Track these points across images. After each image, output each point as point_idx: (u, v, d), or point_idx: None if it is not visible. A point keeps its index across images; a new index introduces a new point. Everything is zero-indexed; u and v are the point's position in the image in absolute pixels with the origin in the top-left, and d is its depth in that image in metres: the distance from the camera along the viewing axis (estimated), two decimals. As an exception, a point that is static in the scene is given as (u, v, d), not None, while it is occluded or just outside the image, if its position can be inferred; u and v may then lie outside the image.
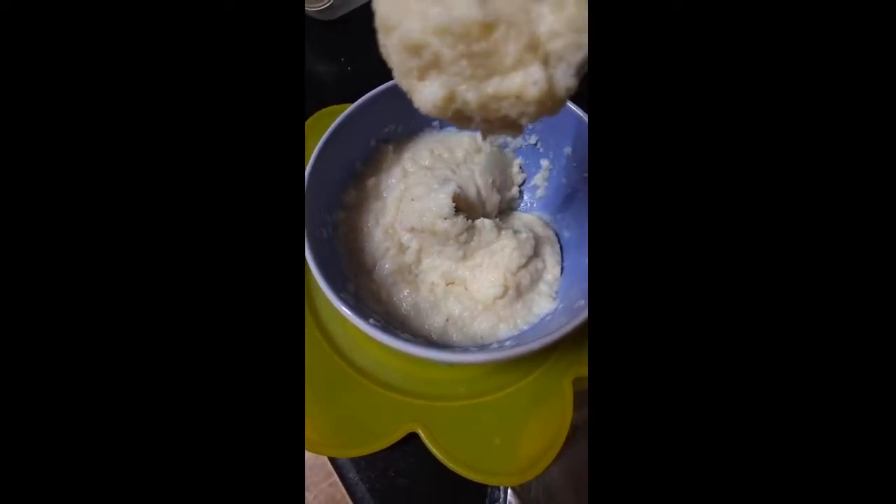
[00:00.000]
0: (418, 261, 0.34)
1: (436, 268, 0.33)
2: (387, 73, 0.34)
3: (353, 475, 0.31)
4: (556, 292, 0.33)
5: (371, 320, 0.26)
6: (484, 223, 0.32)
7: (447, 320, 0.32)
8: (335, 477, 0.31)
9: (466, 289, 0.33)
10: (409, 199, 0.33)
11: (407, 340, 0.26)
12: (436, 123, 0.38)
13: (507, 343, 0.30)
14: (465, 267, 0.33)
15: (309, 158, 0.31)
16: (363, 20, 0.50)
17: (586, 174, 0.34)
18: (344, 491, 0.30)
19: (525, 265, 0.33)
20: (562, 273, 0.35)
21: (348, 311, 0.26)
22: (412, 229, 0.32)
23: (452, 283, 0.33)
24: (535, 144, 0.38)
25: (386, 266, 0.33)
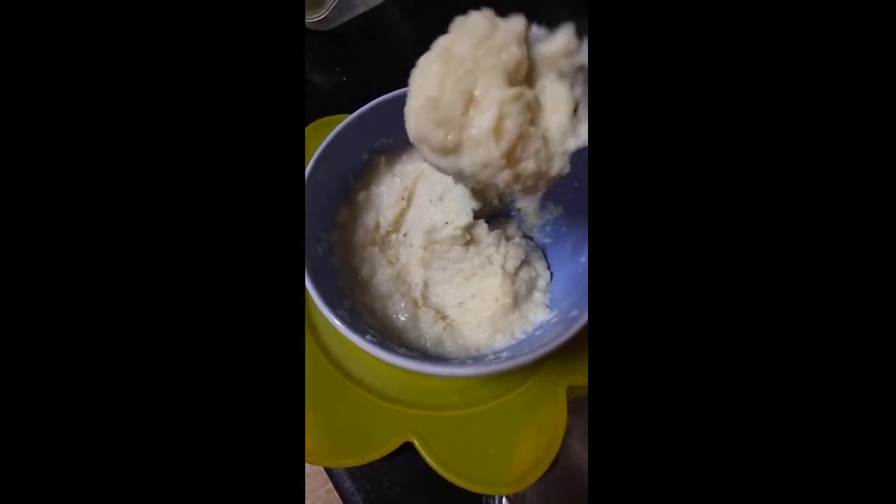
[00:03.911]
0: (424, 284, 0.34)
1: (439, 294, 0.34)
2: (381, 84, 0.34)
3: (348, 485, 0.31)
4: (550, 300, 0.34)
5: (368, 336, 0.26)
6: (481, 231, 0.33)
7: (444, 329, 0.32)
8: (331, 484, 0.31)
9: (458, 328, 0.34)
10: (422, 203, 0.33)
11: (404, 356, 0.26)
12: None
13: (503, 354, 0.31)
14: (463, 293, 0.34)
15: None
16: (358, 31, 0.50)
17: (575, 184, 0.34)
18: (340, 499, 0.30)
19: (519, 269, 0.33)
20: (551, 280, 0.35)
21: (345, 328, 0.26)
22: (428, 241, 0.33)
23: (446, 318, 0.33)
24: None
25: (381, 279, 0.33)
